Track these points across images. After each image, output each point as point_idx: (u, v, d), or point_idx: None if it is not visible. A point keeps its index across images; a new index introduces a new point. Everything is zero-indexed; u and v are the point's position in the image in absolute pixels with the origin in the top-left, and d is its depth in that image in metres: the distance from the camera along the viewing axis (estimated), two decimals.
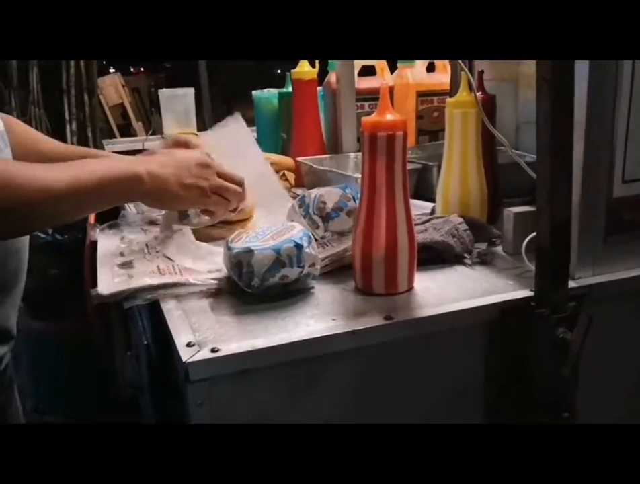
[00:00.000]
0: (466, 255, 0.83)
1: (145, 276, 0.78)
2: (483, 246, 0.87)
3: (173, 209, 0.90)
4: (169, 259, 0.86)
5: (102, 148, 2.47)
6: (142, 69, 3.78)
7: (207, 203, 0.86)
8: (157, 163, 0.79)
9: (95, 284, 0.79)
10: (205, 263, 0.82)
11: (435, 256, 0.82)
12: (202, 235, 0.93)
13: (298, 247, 0.72)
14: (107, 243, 0.96)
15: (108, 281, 0.78)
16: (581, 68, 0.68)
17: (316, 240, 0.81)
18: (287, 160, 1.35)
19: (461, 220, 0.86)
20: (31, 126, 2.50)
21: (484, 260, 0.83)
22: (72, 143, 2.60)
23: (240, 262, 0.71)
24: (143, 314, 1.00)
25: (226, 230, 0.93)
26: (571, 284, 0.73)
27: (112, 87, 3.05)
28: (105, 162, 0.81)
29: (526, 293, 0.73)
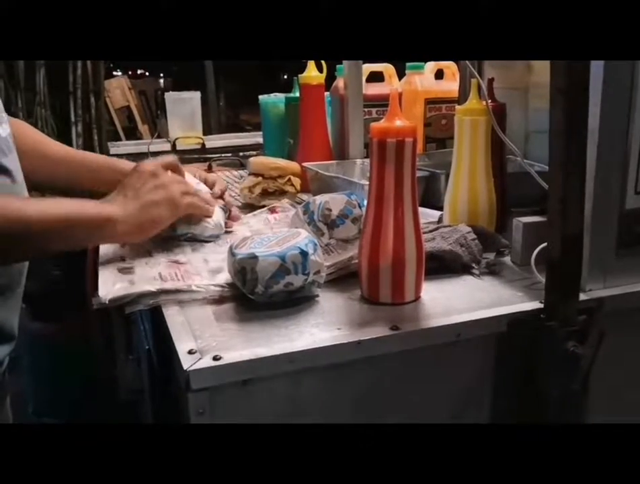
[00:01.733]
0: (474, 265, 0.82)
1: (146, 283, 0.76)
2: (491, 256, 0.85)
3: (158, 230, 0.89)
4: (175, 262, 0.85)
5: (107, 150, 2.47)
6: (147, 73, 3.79)
7: (182, 207, 0.89)
8: (120, 203, 0.82)
9: (96, 287, 0.77)
10: None
11: (442, 266, 0.80)
12: None
13: (304, 254, 0.71)
14: (108, 246, 0.95)
15: (109, 287, 0.76)
16: (595, 77, 0.67)
17: (321, 247, 0.80)
18: (293, 166, 1.34)
19: (469, 229, 0.84)
20: (37, 127, 2.51)
21: (492, 270, 0.82)
22: (77, 145, 2.59)
23: (244, 268, 0.70)
24: (145, 318, 0.99)
25: None
26: (582, 296, 0.71)
27: (119, 90, 3.05)
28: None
29: (535, 305, 0.71)
